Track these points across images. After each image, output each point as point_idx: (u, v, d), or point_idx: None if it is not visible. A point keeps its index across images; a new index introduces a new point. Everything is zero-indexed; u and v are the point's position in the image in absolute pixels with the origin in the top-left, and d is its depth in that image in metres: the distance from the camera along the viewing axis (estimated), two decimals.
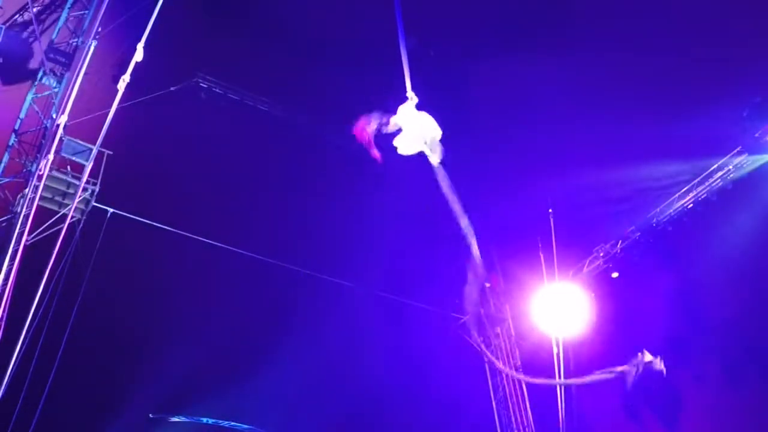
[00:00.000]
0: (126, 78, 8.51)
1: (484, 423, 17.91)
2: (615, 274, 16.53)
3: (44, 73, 13.69)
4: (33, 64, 13.95)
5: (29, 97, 13.73)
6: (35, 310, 11.63)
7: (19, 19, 13.99)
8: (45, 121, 13.63)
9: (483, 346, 18.10)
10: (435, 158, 8.64)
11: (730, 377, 14.59)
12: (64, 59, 13.75)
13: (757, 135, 13.61)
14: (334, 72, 15.85)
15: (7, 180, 13.75)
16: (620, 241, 16.34)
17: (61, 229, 12.05)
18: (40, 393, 13.57)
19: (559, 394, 15.44)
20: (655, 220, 15.75)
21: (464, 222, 8.62)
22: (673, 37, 13.71)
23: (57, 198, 13.97)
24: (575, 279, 16.99)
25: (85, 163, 13.61)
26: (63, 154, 13.48)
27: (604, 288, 16.67)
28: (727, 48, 13.23)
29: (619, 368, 9.06)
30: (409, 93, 8.57)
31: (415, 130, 8.63)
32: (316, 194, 16.97)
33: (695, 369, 15.21)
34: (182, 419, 16.09)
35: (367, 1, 13.73)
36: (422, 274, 18.31)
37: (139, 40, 8.31)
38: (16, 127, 13.77)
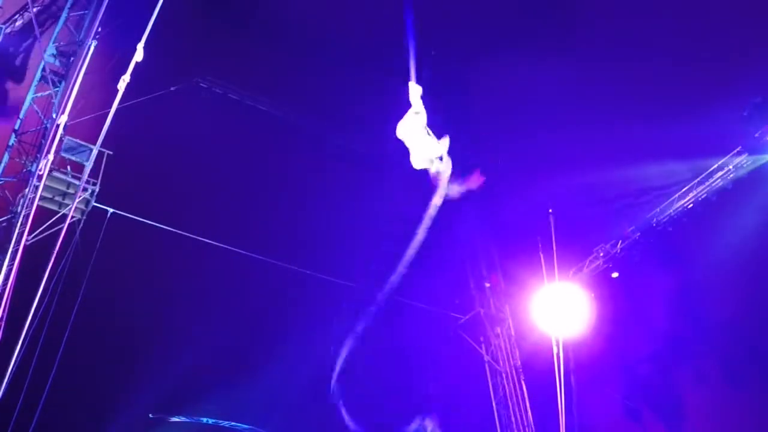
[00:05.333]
0: (126, 78, 8.48)
1: (484, 423, 17.91)
2: (615, 274, 16.52)
3: (44, 73, 13.69)
4: (33, 64, 13.96)
5: (29, 97, 13.73)
6: (35, 310, 11.60)
7: (19, 19, 13.99)
8: (45, 121, 13.62)
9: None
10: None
11: (730, 377, 14.59)
12: (64, 59, 13.75)
13: (757, 135, 13.61)
14: (334, 72, 15.85)
15: (7, 180, 13.75)
16: (620, 241, 16.34)
17: (61, 229, 12.01)
18: (40, 393, 13.57)
19: (559, 394, 15.43)
20: (655, 220, 15.75)
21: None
22: (674, 37, 13.71)
23: (57, 198, 13.97)
24: (575, 279, 16.99)
25: (85, 163, 13.62)
26: (63, 154, 13.48)
27: (604, 288, 16.67)
28: (727, 48, 13.23)
29: None
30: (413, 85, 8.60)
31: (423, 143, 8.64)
32: (316, 194, 16.97)
33: (695, 369, 15.21)
34: (182, 419, 16.09)
35: (366, 2, 13.74)
36: (422, 274, 18.31)
37: (139, 40, 8.29)
38: (16, 127, 13.77)
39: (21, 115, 13.79)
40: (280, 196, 16.85)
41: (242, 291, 16.64)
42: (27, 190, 13.13)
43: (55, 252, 11.30)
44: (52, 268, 11.65)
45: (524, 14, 15.00)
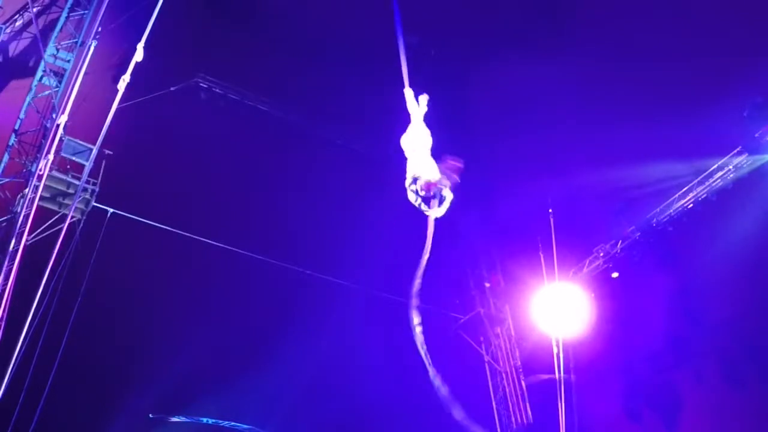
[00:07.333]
0: (126, 78, 8.51)
1: (484, 423, 17.90)
2: (615, 274, 16.53)
3: (44, 73, 13.69)
4: (33, 64, 13.96)
5: (29, 97, 13.72)
6: (35, 310, 11.62)
7: (19, 19, 13.99)
8: (45, 121, 13.62)
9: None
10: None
11: (730, 377, 14.59)
12: (64, 59, 13.76)
13: (757, 135, 13.61)
14: (334, 72, 15.85)
15: (7, 180, 13.74)
16: (620, 241, 16.34)
17: (61, 229, 12.04)
18: (40, 393, 13.57)
19: (559, 393, 15.45)
20: (655, 220, 15.75)
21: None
22: (673, 37, 13.71)
23: (57, 198, 13.97)
24: (575, 279, 16.99)
25: (85, 163, 13.63)
26: (63, 154, 13.50)
27: (604, 288, 16.67)
28: (727, 48, 13.23)
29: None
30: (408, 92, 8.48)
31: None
32: (317, 194, 16.96)
33: (695, 369, 15.21)
34: (182, 419, 16.09)
35: (367, 1, 13.73)
36: (422, 274, 18.26)
37: (139, 40, 8.30)
38: (16, 127, 13.76)
39: (21, 115, 13.78)
40: (281, 196, 16.84)
41: (242, 291, 16.63)
42: (27, 190, 13.12)
43: (55, 252, 11.32)
44: (52, 268, 11.67)
45: (524, 14, 15.00)
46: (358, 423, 16.98)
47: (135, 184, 15.26)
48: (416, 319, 7.79)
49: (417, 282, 7.95)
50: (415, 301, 7.89)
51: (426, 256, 7.96)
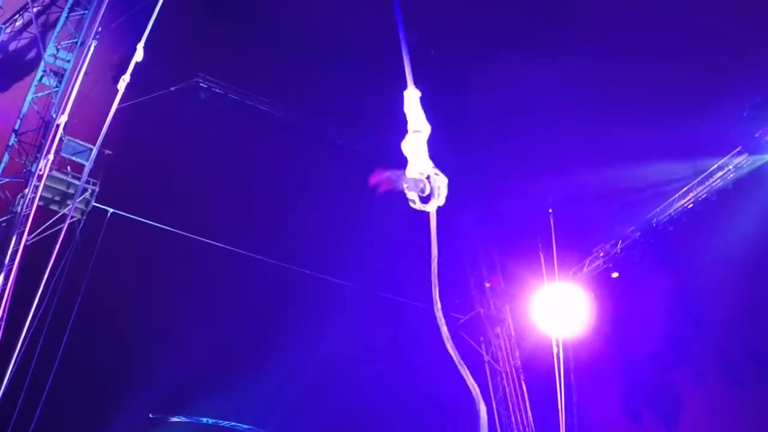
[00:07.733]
0: (126, 78, 8.49)
1: None
2: (615, 274, 16.53)
3: (44, 73, 13.70)
4: (33, 64, 13.97)
5: (29, 97, 13.73)
6: (35, 310, 11.61)
7: (19, 19, 14.00)
8: (45, 122, 13.62)
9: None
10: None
11: (730, 377, 14.59)
12: (64, 59, 13.76)
13: (757, 135, 13.62)
14: (334, 72, 15.86)
15: (7, 180, 13.75)
16: (620, 241, 16.34)
17: (61, 229, 12.02)
18: (40, 393, 13.57)
19: (559, 394, 15.44)
20: (655, 220, 15.75)
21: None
22: (673, 37, 13.71)
23: (57, 198, 13.98)
24: (575, 279, 16.99)
25: (85, 163, 13.63)
26: (63, 154, 13.51)
27: (604, 288, 16.67)
28: (726, 48, 13.23)
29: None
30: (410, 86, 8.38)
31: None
32: (316, 194, 16.96)
33: (695, 369, 15.21)
34: (182, 419, 16.08)
35: (367, 1, 13.73)
36: (422, 274, 18.25)
37: (139, 40, 8.29)
38: (16, 127, 13.77)
39: (21, 115, 13.79)
40: (280, 196, 16.84)
41: (242, 291, 16.63)
42: (27, 190, 13.13)
43: (55, 252, 11.30)
44: (52, 268, 11.66)
45: (523, 14, 15.00)
46: (358, 423, 16.97)
47: (135, 184, 15.27)
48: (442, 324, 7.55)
49: (434, 282, 7.75)
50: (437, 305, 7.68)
51: (435, 252, 7.79)
